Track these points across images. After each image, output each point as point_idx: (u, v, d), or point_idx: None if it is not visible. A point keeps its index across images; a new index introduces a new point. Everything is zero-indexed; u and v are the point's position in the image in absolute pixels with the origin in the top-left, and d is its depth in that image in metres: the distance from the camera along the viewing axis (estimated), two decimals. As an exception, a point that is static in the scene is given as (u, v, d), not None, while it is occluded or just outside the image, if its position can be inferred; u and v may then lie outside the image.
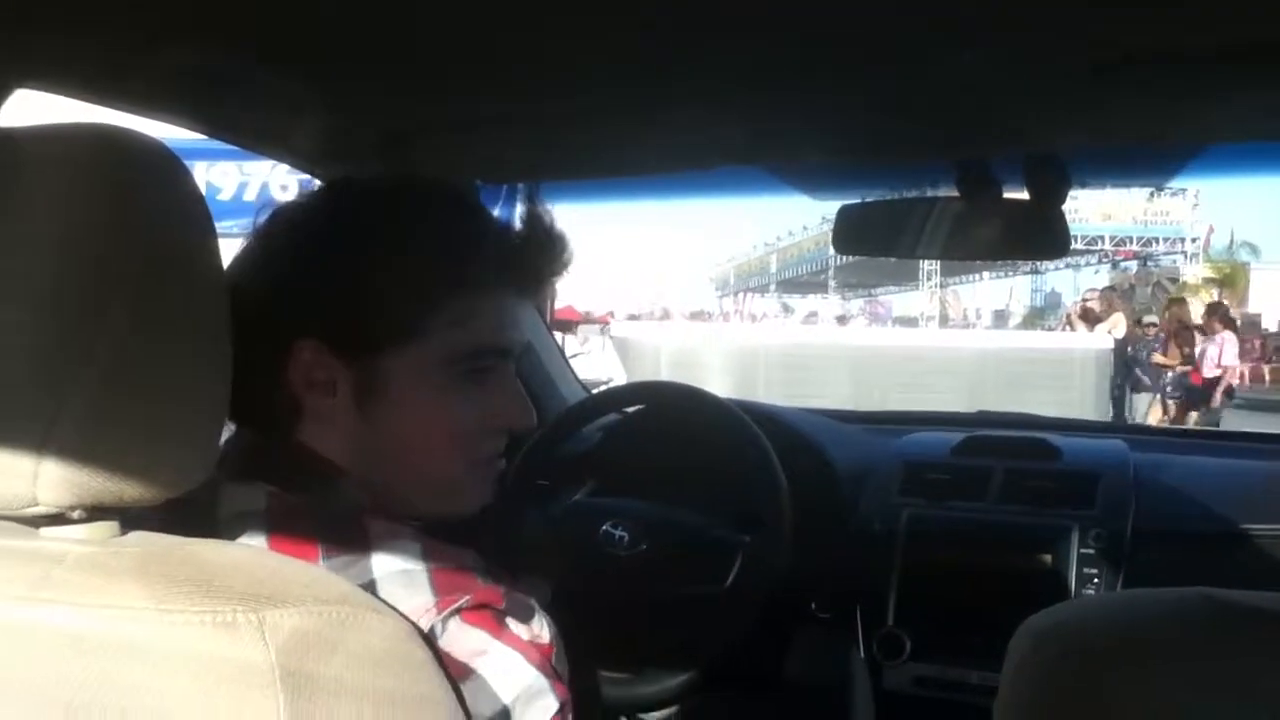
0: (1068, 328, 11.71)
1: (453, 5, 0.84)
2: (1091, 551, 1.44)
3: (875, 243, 1.50)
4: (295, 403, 0.79)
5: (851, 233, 1.43)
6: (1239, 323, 19.40)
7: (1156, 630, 0.49)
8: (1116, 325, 9.90)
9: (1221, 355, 8.99)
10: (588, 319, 9.27)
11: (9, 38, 0.83)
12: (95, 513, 0.59)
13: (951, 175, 1.37)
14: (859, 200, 1.45)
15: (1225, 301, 20.12)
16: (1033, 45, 0.89)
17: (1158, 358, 9.21)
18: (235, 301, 0.66)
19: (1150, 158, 1.43)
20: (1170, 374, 9.14)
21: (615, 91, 1.04)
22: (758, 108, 1.12)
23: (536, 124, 1.20)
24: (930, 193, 1.41)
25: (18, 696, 0.56)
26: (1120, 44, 0.88)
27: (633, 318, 14.09)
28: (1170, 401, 9.11)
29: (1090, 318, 10.40)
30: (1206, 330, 9.29)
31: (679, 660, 1.36)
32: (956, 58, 0.91)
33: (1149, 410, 9.11)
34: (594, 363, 8.01)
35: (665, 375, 7.69)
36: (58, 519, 0.59)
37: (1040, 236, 1.33)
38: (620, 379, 6.94)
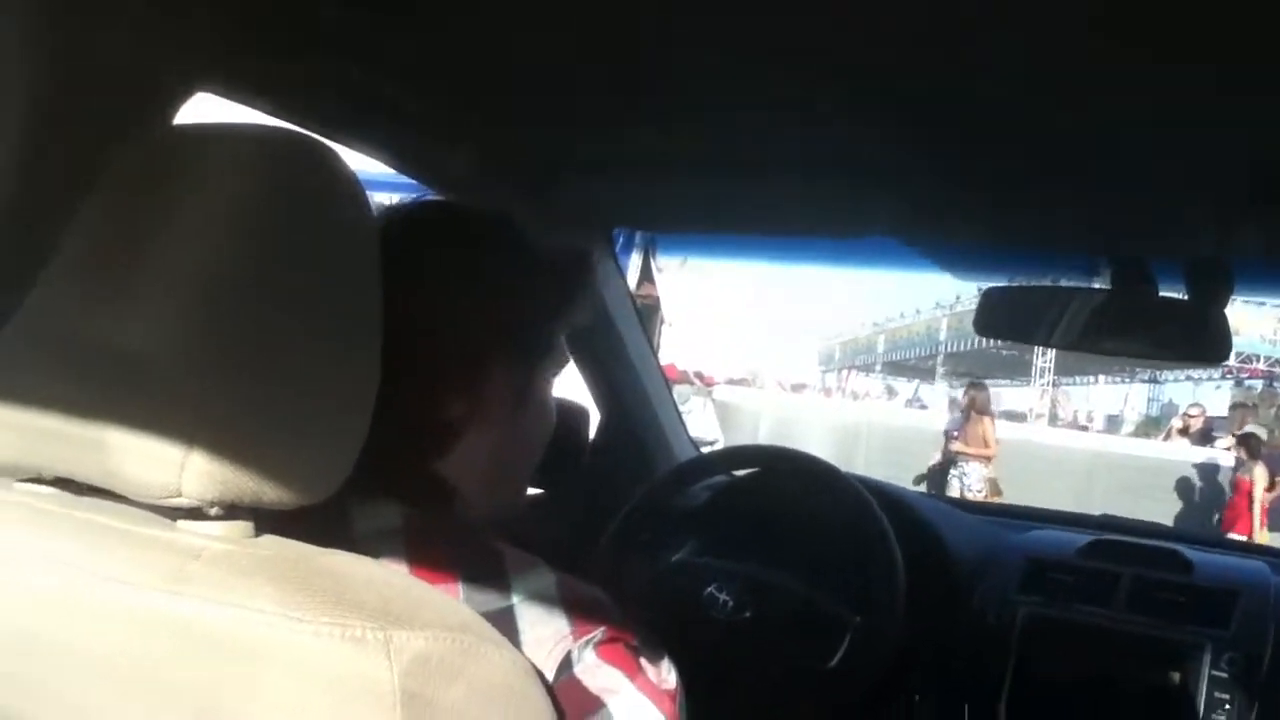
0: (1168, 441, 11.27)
1: (610, 49, 0.84)
2: (1224, 675, 1.35)
3: (1017, 328, 1.45)
4: (465, 420, 0.81)
5: (995, 315, 1.39)
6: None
7: None
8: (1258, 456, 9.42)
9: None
10: (685, 378, 9.27)
11: (182, 45, 0.86)
12: (232, 511, 0.59)
13: (1105, 268, 1.32)
14: (1004, 283, 1.41)
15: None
16: (1209, 146, 0.86)
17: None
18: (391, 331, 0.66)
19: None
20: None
21: (762, 150, 1.03)
22: (912, 179, 1.09)
23: (677, 174, 1.19)
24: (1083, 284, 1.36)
25: (138, 685, 0.56)
26: None
27: (733, 382, 14.02)
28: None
29: (1190, 434, 9.97)
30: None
31: None
32: (1135, 148, 0.88)
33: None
34: (694, 422, 7.99)
35: (764, 441, 7.63)
36: (195, 514, 0.58)
37: (1198, 339, 1.27)
38: (722, 442, 6.90)
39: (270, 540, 0.61)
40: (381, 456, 0.68)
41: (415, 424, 0.78)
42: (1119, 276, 1.31)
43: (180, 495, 0.56)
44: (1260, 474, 7.88)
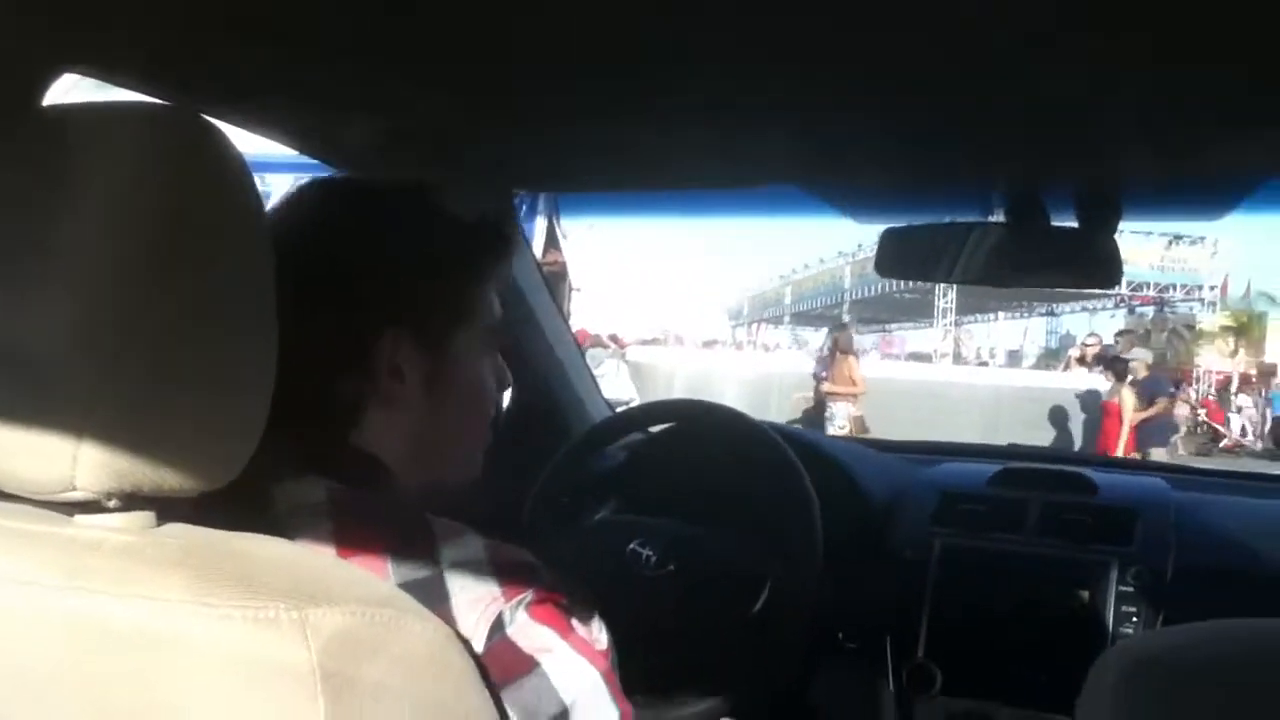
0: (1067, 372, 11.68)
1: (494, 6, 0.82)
2: (1131, 589, 1.40)
3: (917, 267, 1.48)
4: (360, 395, 0.80)
5: (894, 256, 1.41)
6: (1255, 372, 19.33)
7: (1251, 657, 0.47)
8: (1141, 370, 9.81)
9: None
10: (598, 342, 9.30)
11: (52, 23, 0.81)
12: (131, 502, 0.57)
13: (999, 203, 1.35)
14: (903, 224, 1.43)
15: (1242, 349, 19.97)
16: (1097, 75, 0.87)
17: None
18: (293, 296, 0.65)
19: (1204, 191, 1.41)
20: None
21: (656, 96, 1.02)
22: (803, 123, 1.10)
23: (567, 130, 1.18)
24: (978, 219, 1.39)
25: (52, 688, 0.54)
26: (1187, 77, 0.86)
27: (645, 343, 14.08)
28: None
29: (1087, 363, 10.35)
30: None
31: (704, 686, 1.33)
32: (1023, 81, 0.89)
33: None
34: (610, 385, 7.99)
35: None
36: (92, 506, 0.57)
37: (1090, 263, 1.31)
38: (637, 401, 6.93)
39: (175, 528, 0.59)
40: (298, 434, 0.68)
41: (314, 401, 0.76)
42: (1012, 210, 1.34)
43: (74, 489, 0.54)
44: (1128, 397, 8.21)
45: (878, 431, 7.68)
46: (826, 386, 8.67)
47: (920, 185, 1.42)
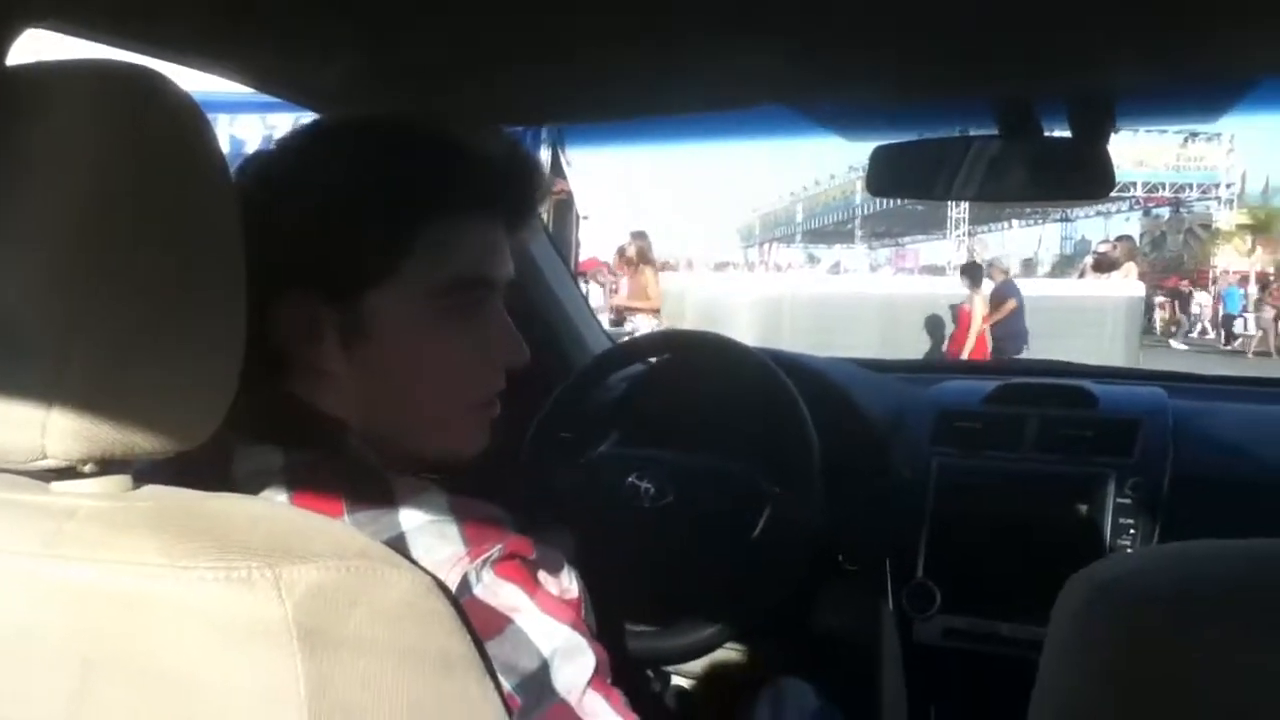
0: (1084, 278, 11.57)
1: None
2: (1129, 501, 1.40)
3: (910, 185, 1.46)
4: (281, 355, 0.78)
5: (886, 175, 1.39)
6: (1273, 270, 19.21)
7: (1221, 583, 0.47)
8: (1129, 274, 9.74)
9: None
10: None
11: None
12: (106, 466, 0.57)
13: (991, 116, 1.32)
14: (895, 142, 1.40)
15: (1260, 247, 19.90)
16: None
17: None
18: None
19: (1199, 93, 1.38)
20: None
21: (643, 21, 1.00)
22: (792, 41, 1.07)
23: (561, 60, 1.16)
24: (969, 133, 1.36)
25: (35, 651, 0.55)
26: None
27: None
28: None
29: (1105, 267, 10.23)
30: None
31: (706, 613, 1.35)
32: None
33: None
34: (620, 314, 7.97)
35: (691, 326, 7.66)
36: (68, 473, 0.57)
37: (1082, 175, 1.29)
38: (645, 330, 6.91)
39: (150, 490, 0.60)
40: (252, 396, 0.67)
41: (262, 358, 0.72)
42: (1004, 122, 1.31)
43: (46, 457, 0.55)
44: (979, 304, 8.11)
45: (893, 351, 7.64)
46: (618, 300, 7.76)
47: (910, 98, 1.40)
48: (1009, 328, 8.08)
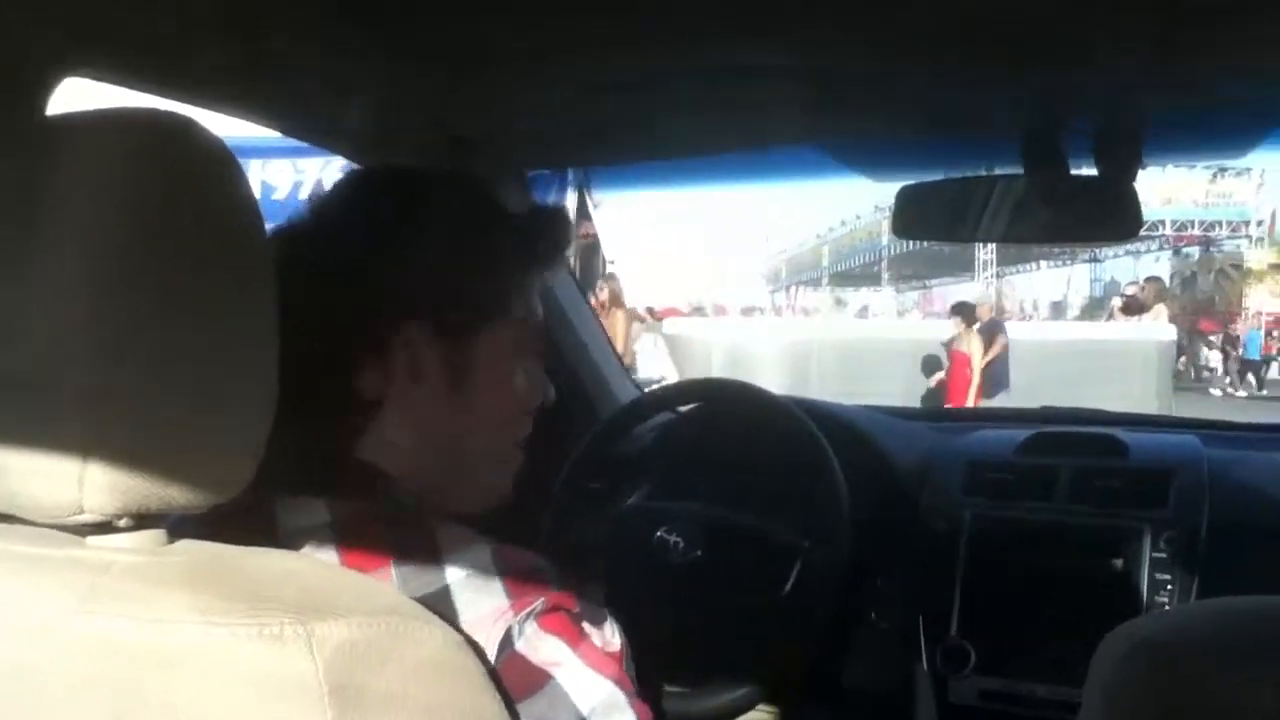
0: (1113, 320, 11.42)
1: None
2: (1164, 555, 1.36)
3: (935, 226, 1.45)
4: (377, 394, 0.78)
5: (912, 216, 1.39)
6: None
7: (1261, 640, 0.46)
8: (1159, 317, 9.62)
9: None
10: (634, 315, 9.08)
11: (57, 27, 0.82)
12: (141, 521, 0.57)
13: (1017, 154, 1.31)
14: (918, 181, 1.40)
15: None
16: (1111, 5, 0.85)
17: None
18: (301, 298, 0.64)
19: (1226, 127, 1.37)
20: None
21: (669, 64, 1.01)
22: (816, 80, 1.08)
23: (588, 105, 1.17)
24: (994, 172, 1.35)
25: (68, 707, 0.55)
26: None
27: (688, 313, 13.99)
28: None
29: (1134, 309, 10.10)
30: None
31: (738, 672, 1.33)
32: (1023, 14, 0.87)
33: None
34: (646, 361, 7.94)
35: (718, 372, 7.63)
36: (104, 527, 0.57)
37: (1110, 216, 1.28)
38: (673, 377, 6.89)
39: (184, 545, 0.60)
40: (300, 447, 0.67)
41: (325, 402, 0.75)
42: (1030, 158, 1.30)
43: (83, 512, 0.55)
44: (975, 344, 7.87)
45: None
46: None
47: (935, 135, 1.39)
48: (993, 371, 7.89)
